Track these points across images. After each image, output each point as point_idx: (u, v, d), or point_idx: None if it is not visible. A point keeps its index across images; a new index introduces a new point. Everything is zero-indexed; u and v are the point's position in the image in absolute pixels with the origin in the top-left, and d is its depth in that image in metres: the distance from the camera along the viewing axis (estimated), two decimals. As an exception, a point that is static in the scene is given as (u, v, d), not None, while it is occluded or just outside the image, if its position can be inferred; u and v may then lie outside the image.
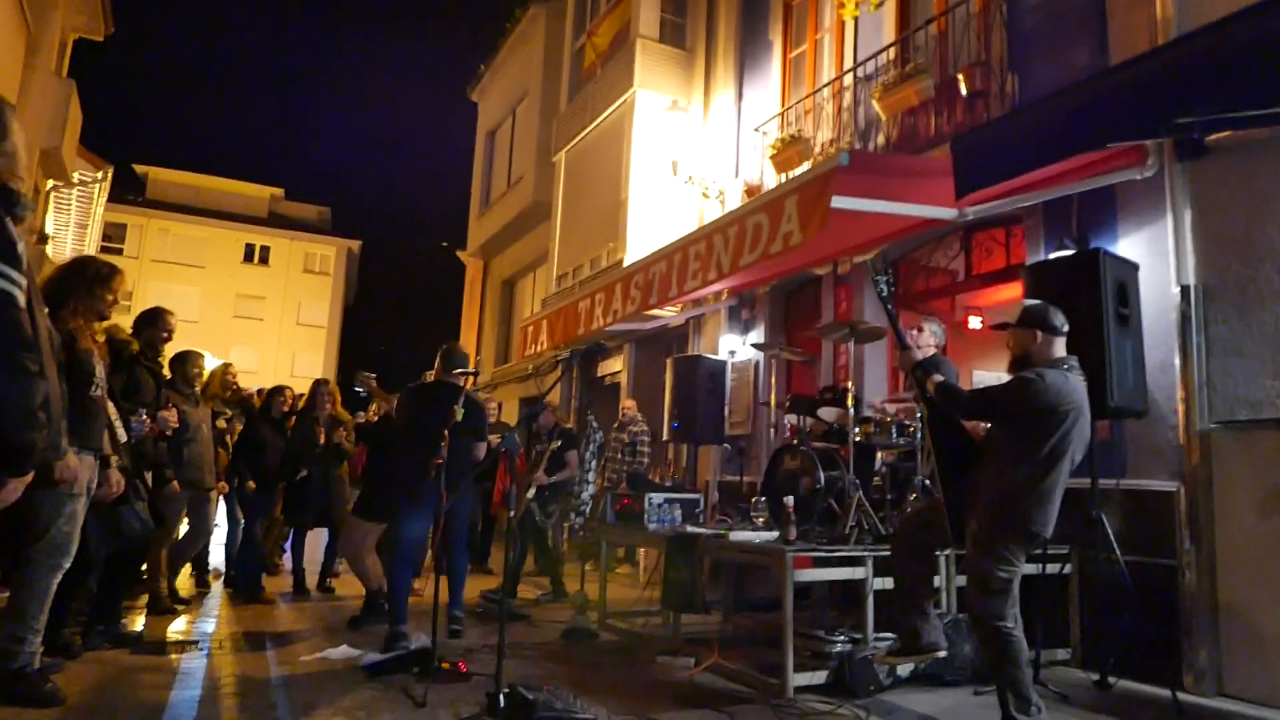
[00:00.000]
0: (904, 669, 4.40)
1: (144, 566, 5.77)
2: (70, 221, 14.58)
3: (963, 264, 7.01)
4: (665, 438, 8.77)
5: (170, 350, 5.75)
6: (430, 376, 5.60)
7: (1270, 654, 4.31)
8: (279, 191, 40.49)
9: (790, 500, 4.78)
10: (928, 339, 5.38)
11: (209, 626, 5.67)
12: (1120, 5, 5.44)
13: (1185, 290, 4.84)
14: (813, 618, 5.45)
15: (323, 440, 6.98)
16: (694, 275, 6.44)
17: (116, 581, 4.86)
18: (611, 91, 11.27)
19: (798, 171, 7.88)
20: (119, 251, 33.35)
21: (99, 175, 14.43)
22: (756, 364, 8.69)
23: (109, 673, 4.23)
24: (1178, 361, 4.81)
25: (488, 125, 18.31)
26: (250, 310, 37.04)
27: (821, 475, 5.35)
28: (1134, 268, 4.88)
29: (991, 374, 6.69)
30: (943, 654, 4.00)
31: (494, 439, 8.83)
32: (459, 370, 5.36)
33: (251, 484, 6.81)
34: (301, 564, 7.18)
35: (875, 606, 4.56)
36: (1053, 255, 5.46)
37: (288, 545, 7.98)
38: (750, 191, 9.01)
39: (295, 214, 40.70)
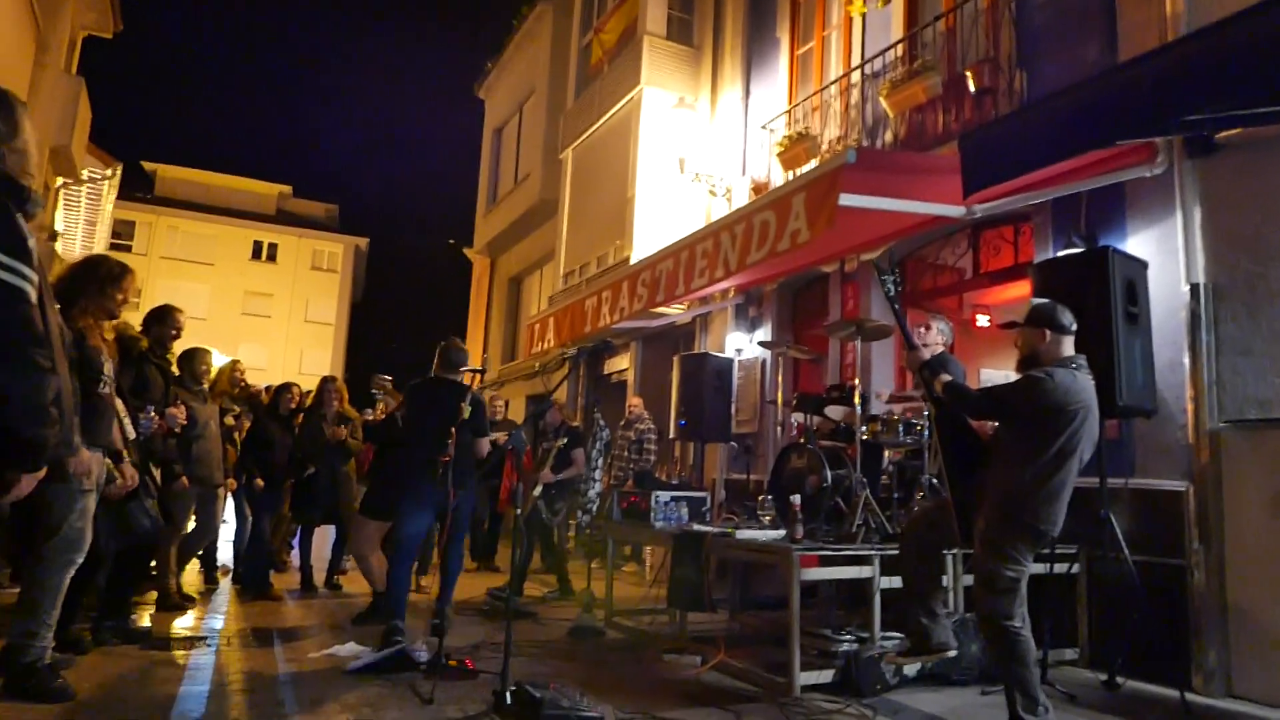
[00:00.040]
0: (911, 668, 4.39)
1: (153, 563, 5.80)
2: (79, 219, 14.64)
3: (970, 262, 6.98)
4: (672, 436, 8.76)
5: (179, 348, 5.78)
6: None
7: None
8: (287, 189, 40.58)
9: (797, 499, 4.77)
10: (935, 337, 5.36)
11: (217, 623, 5.69)
12: (1129, 2, 5.41)
13: (1195, 288, 4.82)
14: (819, 616, 5.45)
15: (335, 436, 6.99)
16: (701, 273, 6.42)
17: (126, 578, 4.88)
18: (618, 89, 11.26)
19: (805, 169, 7.85)
20: (128, 248, 33.49)
21: (108, 172, 14.49)
22: (763, 362, 8.68)
23: (118, 668, 4.25)
24: (1187, 360, 4.79)
25: (494, 122, 18.32)
26: (258, 307, 37.15)
27: (828, 474, 5.35)
28: (1143, 266, 4.86)
29: (999, 372, 6.69)
30: (952, 654, 3.99)
31: (501, 436, 8.87)
32: (466, 368, 5.38)
33: (260, 481, 6.84)
34: (309, 561, 7.20)
35: (882, 605, 4.55)
36: (1061, 253, 5.44)
37: (295, 542, 8.01)
38: (757, 189, 8.99)
39: (303, 211, 40.81)
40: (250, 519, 7.01)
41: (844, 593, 5.83)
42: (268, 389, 7.83)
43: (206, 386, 6.39)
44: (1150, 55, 4.19)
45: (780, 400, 6.91)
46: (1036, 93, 5.99)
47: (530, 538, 7.39)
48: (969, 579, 4.55)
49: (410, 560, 5.11)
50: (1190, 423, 4.75)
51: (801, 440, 5.87)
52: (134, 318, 5.33)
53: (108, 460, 4.06)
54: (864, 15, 7.92)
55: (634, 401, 9.05)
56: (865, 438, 5.28)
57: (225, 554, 7.72)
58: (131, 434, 4.49)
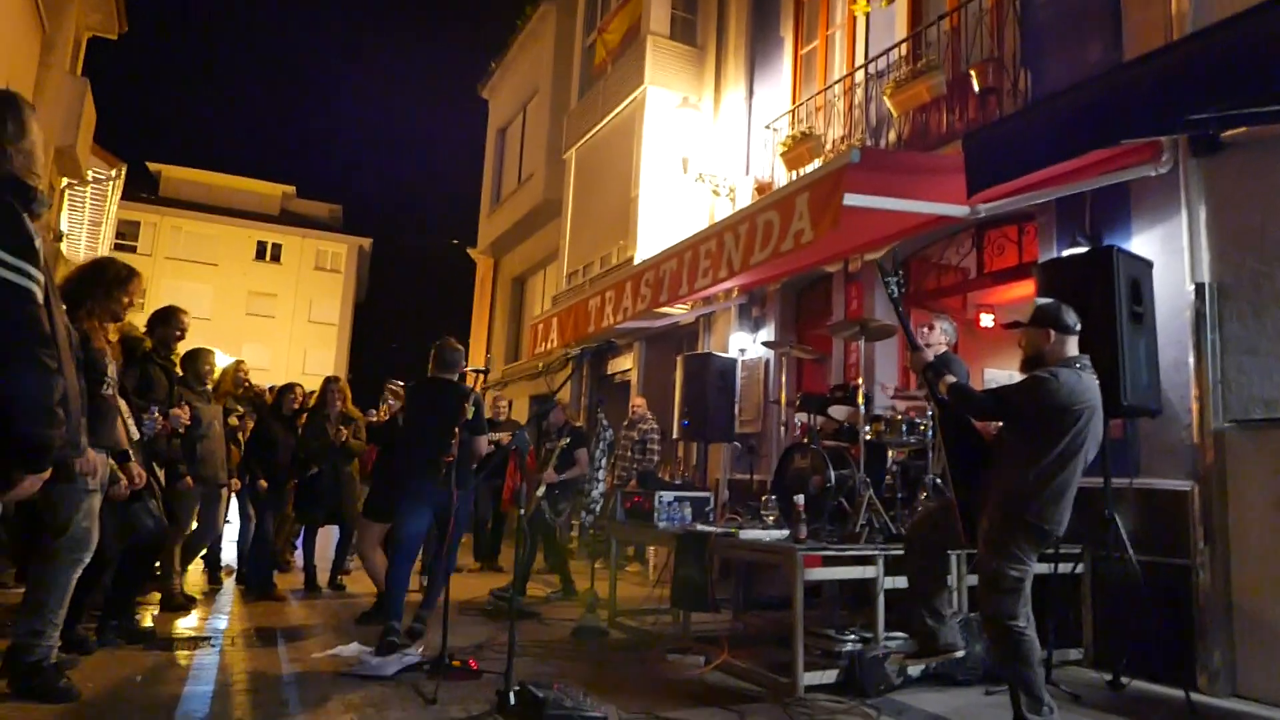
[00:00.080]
0: (915, 669, 4.39)
1: (156, 563, 5.81)
2: (84, 219, 14.69)
3: (974, 261, 6.97)
4: (675, 436, 8.76)
5: (182, 348, 5.79)
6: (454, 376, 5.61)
7: (1285, 655, 4.28)
8: (291, 189, 40.62)
9: (800, 499, 4.76)
10: (939, 337, 5.35)
11: (221, 623, 5.70)
12: (1134, 1, 5.39)
13: (1200, 288, 4.80)
14: (823, 616, 5.45)
15: (338, 437, 7.00)
16: (704, 273, 6.42)
17: (130, 578, 4.89)
18: (622, 88, 11.26)
19: (809, 169, 7.85)
20: (132, 249, 33.56)
21: (113, 173, 14.53)
22: (767, 362, 8.67)
23: (123, 668, 4.26)
24: (1192, 360, 4.78)
25: (498, 122, 18.33)
26: (262, 308, 37.20)
27: (832, 474, 5.34)
28: (1148, 265, 4.84)
29: (1003, 372, 6.67)
30: (960, 654, 3.99)
31: (504, 437, 8.87)
32: (468, 368, 5.39)
33: (264, 482, 6.85)
34: (313, 561, 7.21)
35: (886, 605, 4.55)
36: (1066, 253, 5.43)
37: (299, 542, 8.02)
38: (761, 189, 8.98)
39: (307, 212, 40.86)
40: (254, 519, 7.02)
41: (848, 593, 5.82)
42: (271, 389, 7.85)
43: (210, 387, 6.41)
44: (1155, 54, 4.17)
45: (784, 400, 6.90)
46: (1041, 92, 5.98)
47: (533, 538, 7.39)
48: (973, 579, 4.54)
49: (410, 560, 5.10)
50: (1195, 422, 4.73)
51: (805, 440, 5.87)
52: (138, 318, 5.34)
53: (111, 461, 4.08)
54: (868, 14, 7.89)
55: (637, 401, 9.05)
56: (869, 438, 5.27)
57: (229, 554, 7.74)
58: (135, 435, 4.50)
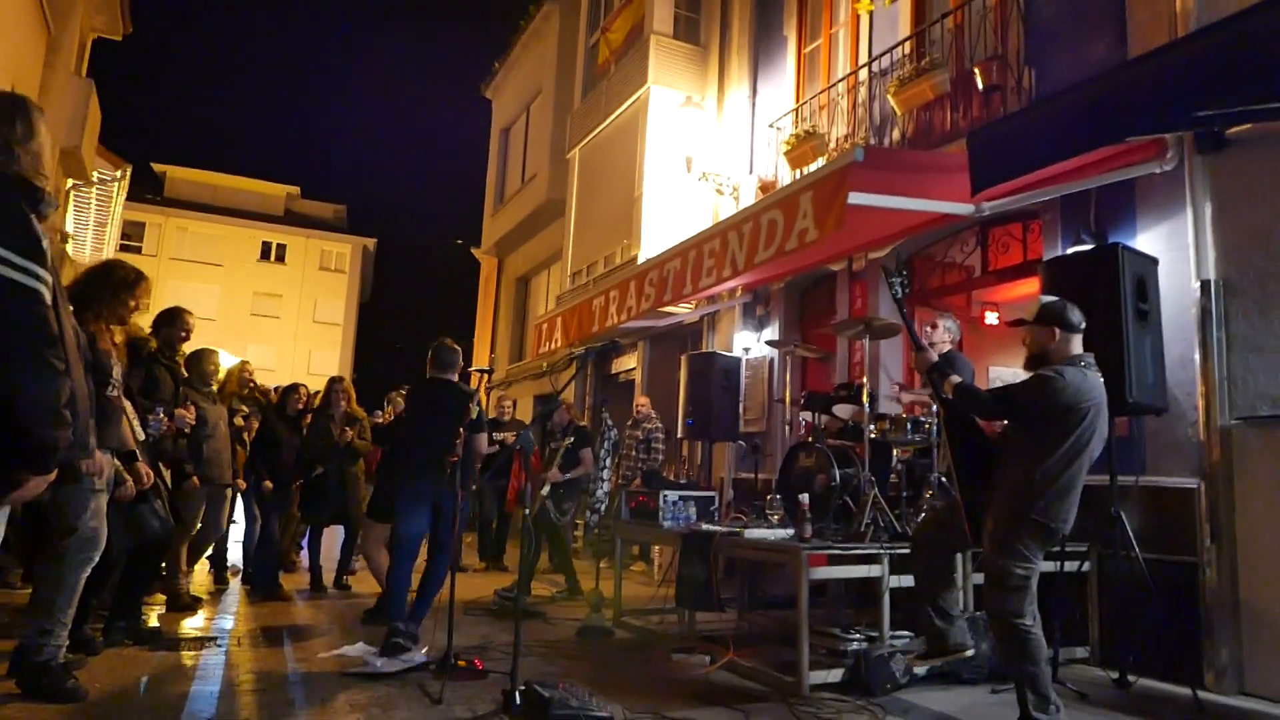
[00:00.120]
0: (921, 667, 4.38)
1: (163, 564, 5.82)
2: (90, 220, 14.71)
3: (979, 259, 6.96)
4: (680, 435, 8.76)
5: (188, 349, 5.81)
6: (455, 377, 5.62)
7: (1292, 653, 4.27)
8: (295, 190, 40.70)
9: (805, 497, 4.76)
10: (942, 335, 5.36)
11: (227, 623, 5.72)
12: (1139, -3, 5.38)
13: (1205, 285, 4.79)
14: (828, 615, 5.45)
15: (343, 438, 7.01)
16: (708, 272, 6.42)
17: (137, 578, 4.91)
18: (625, 88, 11.26)
19: (812, 167, 7.85)
20: (138, 250, 33.66)
21: (118, 174, 14.56)
22: (771, 361, 8.66)
23: (129, 669, 4.27)
24: (1198, 357, 4.76)
25: (502, 122, 18.34)
26: (267, 308, 37.28)
27: (837, 472, 5.34)
28: (1153, 262, 4.83)
29: (1008, 370, 6.67)
30: (970, 653, 3.99)
31: (509, 436, 8.88)
32: (473, 369, 5.39)
33: (269, 483, 6.86)
34: (318, 561, 7.22)
35: (891, 604, 4.54)
36: (1071, 250, 5.42)
37: (304, 543, 8.03)
38: (765, 188, 8.98)
39: (311, 212, 40.92)
40: (260, 520, 7.04)
41: (853, 592, 5.82)
42: (277, 389, 7.86)
43: (215, 387, 6.42)
44: (1160, 51, 4.17)
45: (788, 399, 6.90)
46: (1045, 90, 5.96)
47: (538, 538, 7.39)
48: (978, 577, 4.53)
49: (410, 560, 5.10)
50: (1201, 420, 4.72)
51: (810, 439, 5.86)
52: (143, 319, 5.35)
53: (117, 462, 4.09)
54: (871, 13, 7.89)
55: (641, 401, 9.05)
56: (874, 436, 5.26)
57: (235, 555, 7.75)
58: (141, 435, 4.52)
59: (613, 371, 12.62)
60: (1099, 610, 4.98)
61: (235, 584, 7.32)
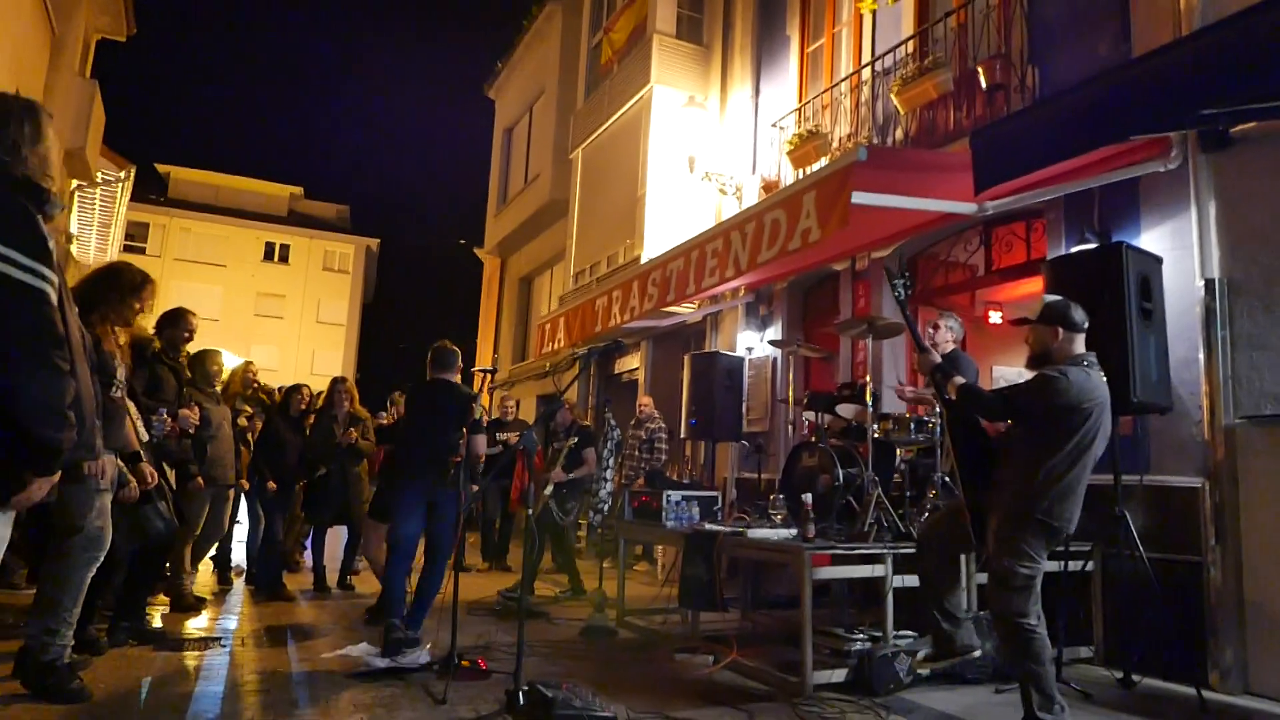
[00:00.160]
0: (925, 669, 4.38)
1: (167, 564, 5.83)
2: (94, 221, 14.72)
3: (983, 258, 6.95)
4: (683, 435, 8.76)
5: (192, 350, 5.82)
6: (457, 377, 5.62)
7: (1298, 653, 4.26)
8: (298, 190, 40.77)
9: (808, 497, 4.76)
10: (944, 335, 5.36)
11: (231, 623, 5.73)
12: (1143, -4, 5.37)
13: (1210, 284, 4.78)
14: (832, 615, 5.45)
15: (346, 439, 7.02)
16: (711, 272, 6.42)
17: (141, 579, 4.92)
18: (628, 88, 11.26)
19: (815, 167, 7.84)
20: (141, 251, 33.72)
21: (122, 175, 14.55)
22: (774, 360, 8.66)
23: (134, 669, 4.28)
24: (1202, 356, 4.75)
25: (505, 122, 18.34)
26: (270, 308, 37.33)
27: (840, 472, 5.33)
28: (1157, 261, 4.82)
29: (1012, 369, 6.66)
30: (977, 654, 3.98)
31: (512, 437, 8.88)
32: (479, 369, 5.40)
33: (272, 484, 6.87)
34: (322, 561, 7.23)
35: (895, 604, 4.53)
36: (1074, 249, 5.41)
37: (308, 543, 8.05)
38: (768, 187, 8.97)
39: (314, 212, 40.98)
40: (263, 520, 7.05)
41: (857, 591, 5.82)
42: (281, 389, 7.87)
43: (219, 388, 6.43)
44: (1165, 49, 4.15)
45: (791, 399, 6.89)
46: (1048, 88, 5.95)
47: (541, 538, 7.40)
48: (982, 577, 4.52)
49: (406, 560, 5.10)
50: (1206, 419, 4.71)
51: (813, 439, 5.86)
52: (147, 320, 5.36)
53: (120, 463, 4.09)
54: (874, 12, 7.89)
55: (644, 400, 9.05)
56: (877, 436, 5.26)
57: (239, 555, 7.76)
58: (144, 436, 4.52)
59: (616, 371, 12.62)
60: (1103, 610, 4.97)
61: (239, 584, 7.34)
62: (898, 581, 4.51)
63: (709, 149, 10.18)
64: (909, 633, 4.64)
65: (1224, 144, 4.78)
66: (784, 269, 7.85)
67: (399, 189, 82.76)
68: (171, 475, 5.24)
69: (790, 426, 8.04)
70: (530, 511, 4.69)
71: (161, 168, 37.81)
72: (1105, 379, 3.56)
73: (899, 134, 7.39)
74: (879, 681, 4.23)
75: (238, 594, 6.92)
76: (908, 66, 7.23)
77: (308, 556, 7.90)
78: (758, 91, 9.77)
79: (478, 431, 5.27)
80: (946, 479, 5.06)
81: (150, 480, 4.35)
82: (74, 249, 13.97)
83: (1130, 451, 4.88)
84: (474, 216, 20.39)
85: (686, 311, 9.65)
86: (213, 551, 7.21)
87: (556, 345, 9.87)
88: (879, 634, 4.57)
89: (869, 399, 5.35)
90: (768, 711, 3.95)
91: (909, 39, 7.46)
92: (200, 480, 5.72)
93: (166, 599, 5.98)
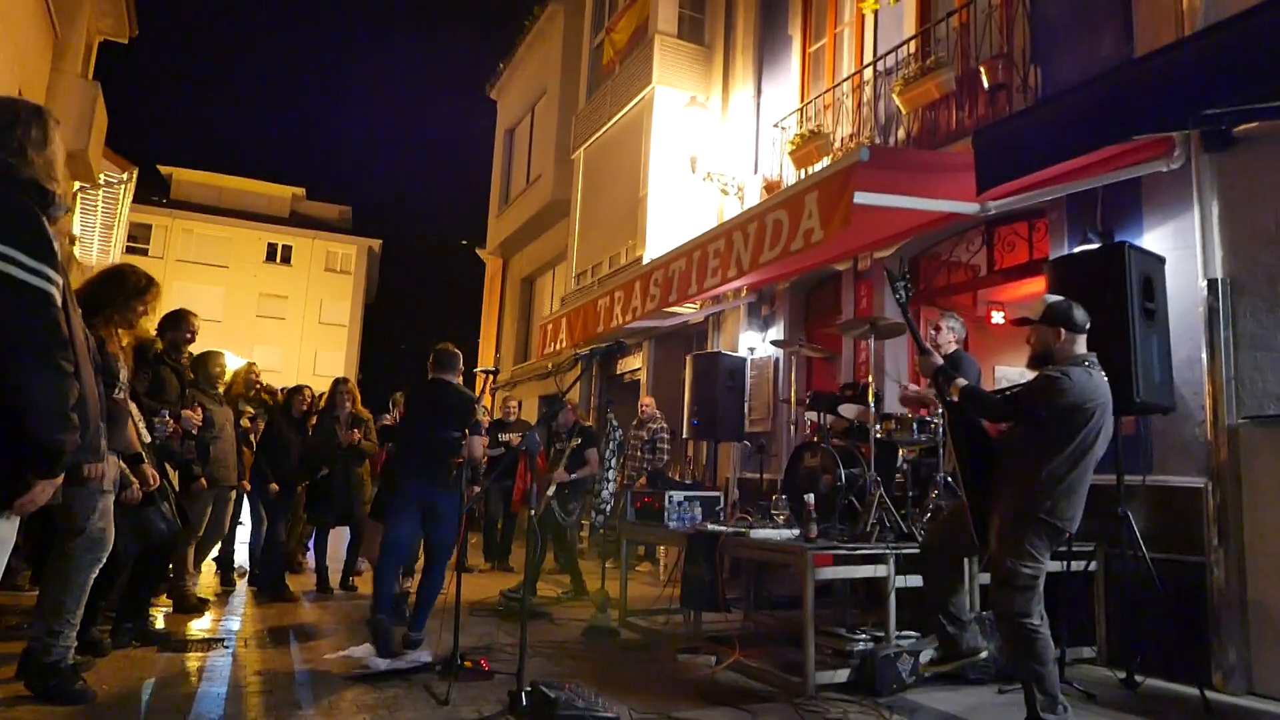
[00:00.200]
0: (929, 672, 4.37)
1: (170, 565, 5.84)
2: (96, 223, 14.75)
3: (985, 258, 6.94)
4: (685, 435, 8.76)
5: (194, 351, 5.82)
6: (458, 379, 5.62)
7: (1301, 653, 4.25)
8: (300, 191, 40.78)
9: (811, 498, 4.76)
10: (947, 336, 5.36)
11: (234, 624, 5.73)
12: (1145, -5, 5.36)
13: (1213, 284, 4.77)
14: (835, 615, 5.44)
15: (347, 439, 7.02)
16: (713, 272, 6.42)
17: (144, 580, 4.93)
18: (630, 88, 11.26)
19: (817, 167, 7.84)
20: (144, 252, 33.75)
21: (124, 177, 14.58)
22: (776, 361, 8.66)
23: (137, 670, 4.29)
24: (1205, 356, 4.75)
25: (507, 123, 18.35)
26: (273, 309, 37.35)
27: (842, 472, 5.33)
28: (1160, 261, 4.82)
29: (1014, 369, 6.65)
30: (984, 656, 3.98)
31: (514, 437, 8.88)
32: (481, 369, 5.40)
33: (274, 485, 6.88)
34: (324, 562, 7.23)
35: (898, 604, 4.53)
36: (1077, 249, 5.41)
37: (311, 544, 8.05)
38: (769, 188, 8.97)
39: (316, 213, 40.98)
40: (266, 521, 7.05)
41: (859, 592, 5.81)
42: (283, 390, 7.88)
43: (222, 389, 6.44)
44: (1168, 49, 4.15)
45: (793, 399, 6.89)
46: (1051, 88, 5.95)
47: (544, 538, 7.40)
48: (985, 577, 4.52)
49: (397, 561, 5.10)
50: (1209, 419, 4.70)
51: (815, 439, 5.86)
52: (149, 321, 5.36)
53: (122, 464, 4.10)
54: (876, 12, 7.88)
55: (646, 401, 9.05)
56: (879, 436, 5.25)
57: (242, 556, 7.77)
58: (146, 438, 4.53)
59: (618, 372, 12.61)
60: (1106, 610, 4.97)
61: (242, 585, 7.34)
62: (900, 581, 4.51)
63: (711, 149, 10.18)
64: (911, 633, 4.64)
65: (1227, 144, 4.78)
66: (786, 269, 7.85)
67: (401, 190, 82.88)
68: (175, 476, 5.25)
69: (792, 427, 8.04)
70: (533, 512, 4.69)
71: (164, 169, 37.83)
72: (1106, 379, 3.56)
73: (901, 134, 7.39)
74: (882, 682, 4.23)
75: (240, 595, 6.93)
76: (910, 66, 7.22)
77: (310, 557, 7.91)
78: (759, 91, 9.77)
79: (476, 433, 5.27)
80: (949, 479, 5.06)
81: (152, 482, 4.36)
82: (76, 251, 13.99)
83: (1133, 452, 4.87)
84: (476, 217, 20.39)
85: (688, 312, 9.65)
86: (215, 553, 7.22)
87: (558, 346, 9.88)
88: (881, 634, 4.57)
89: (871, 399, 5.34)
90: (770, 712, 3.95)
91: (911, 39, 7.45)
92: (204, 481, 5.73)
93: (169, 600, 5.99)
